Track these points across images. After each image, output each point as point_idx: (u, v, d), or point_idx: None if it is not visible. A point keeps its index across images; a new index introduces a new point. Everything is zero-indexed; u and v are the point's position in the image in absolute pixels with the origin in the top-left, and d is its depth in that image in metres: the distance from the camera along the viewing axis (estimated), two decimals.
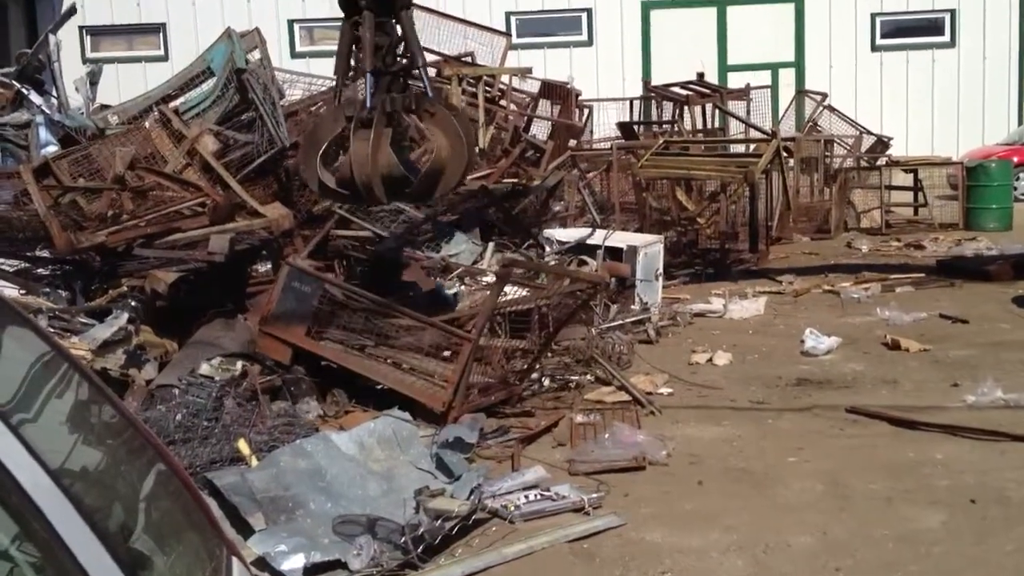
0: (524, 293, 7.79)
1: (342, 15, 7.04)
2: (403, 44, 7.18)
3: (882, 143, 18.72)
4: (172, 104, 10.35)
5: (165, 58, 20.52)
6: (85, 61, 19.03)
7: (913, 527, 5.11)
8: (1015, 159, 18.85)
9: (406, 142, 7.72)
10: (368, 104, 7.01)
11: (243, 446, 5.60)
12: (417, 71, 7.33)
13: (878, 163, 17.63)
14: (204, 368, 6.58)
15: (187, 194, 8.47)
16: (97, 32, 21.23)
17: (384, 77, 7.11)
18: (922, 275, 11.92)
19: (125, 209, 8.42)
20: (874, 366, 8.21)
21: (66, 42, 15.03)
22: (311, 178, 7.41)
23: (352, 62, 7.18)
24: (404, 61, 7.23)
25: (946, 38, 21.94)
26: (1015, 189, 17.45)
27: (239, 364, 6.72)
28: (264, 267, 8.97)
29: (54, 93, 12.10)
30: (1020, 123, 21.78)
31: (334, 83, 7.56)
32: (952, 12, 21.80)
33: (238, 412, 6.12)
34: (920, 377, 7.83)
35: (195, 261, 7.83)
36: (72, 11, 14.08)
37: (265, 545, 4.75)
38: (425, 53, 16.29)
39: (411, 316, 7.16)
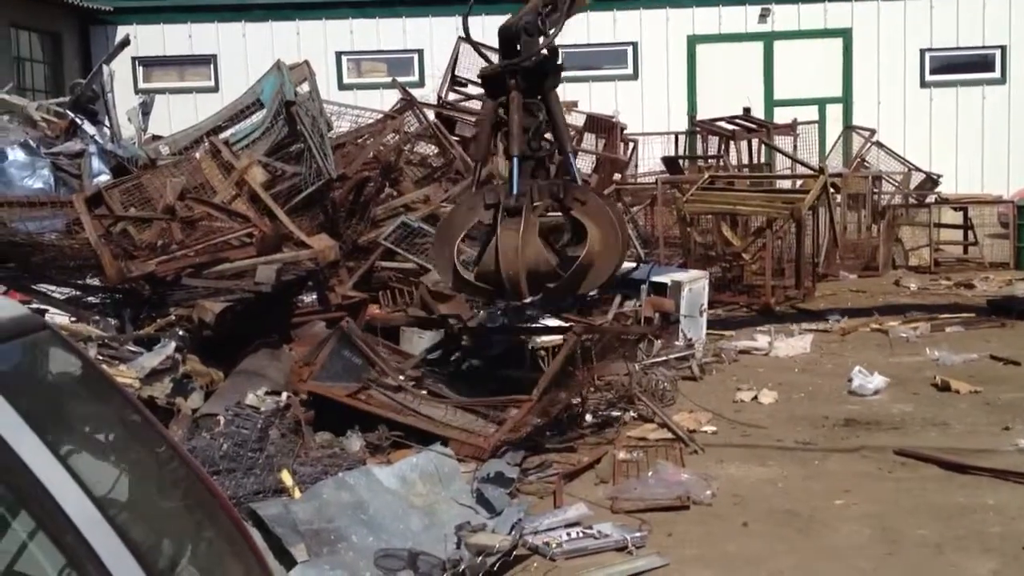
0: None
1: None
2: (550, 127, 6.80)
3: (931, 180, 18.53)
4: (222, 135, 10.48)
5: (215, 89, 20.76)
6: (137, 92, 19.32)
7: (964, 575, 4.99)
8: None
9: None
10: (515, 191, 6.58)
11: (286, 477, 5.62)
12: (564, 156, 6.92)
13: (927, 200, 17.44)
14: (250, 398, 6.62)
15: (235, 225, 8.54)
16: (149, 63, 21.57)
17: (528, 162, 6.71)
18: (972, 315, 11.73)
19: (174, 239, 8.50)
20: (923, 407, 8.08)
21: (119, 73, 15.32)
22: (444, 269, 6.98)
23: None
24: (548, 145, 6.81)
25: (996, 74, 21.69)
26: None
27: (284, 395, 6.74)
28: (310, 298, 9.02)
29: (107, 123, 12.32)
30: None
31: (472, 166, 6.99)
32: (1003, 48, 21.57)
33: (282, 443, 6.13)
34: (971, 420, 7.69)
35: (242, 291, 7.89)
36: (125, 42, 14.37)
37: None
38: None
39: (462, 405, 7.03)
